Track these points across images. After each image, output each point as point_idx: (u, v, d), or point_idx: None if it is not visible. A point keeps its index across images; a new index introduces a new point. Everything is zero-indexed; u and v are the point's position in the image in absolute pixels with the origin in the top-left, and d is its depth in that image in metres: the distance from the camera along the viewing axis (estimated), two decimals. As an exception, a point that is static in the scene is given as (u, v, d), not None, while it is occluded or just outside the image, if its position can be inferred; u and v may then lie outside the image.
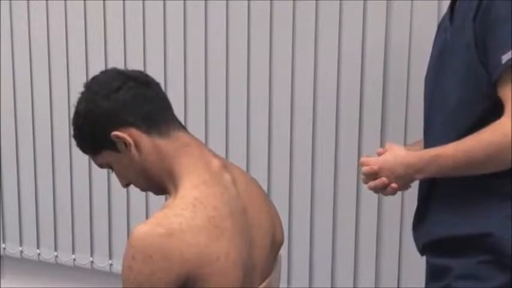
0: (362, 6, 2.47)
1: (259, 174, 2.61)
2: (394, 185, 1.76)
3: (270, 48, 2.60)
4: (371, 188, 1.81)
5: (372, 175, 1.79)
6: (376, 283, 2.60)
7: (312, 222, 2.66)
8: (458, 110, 1.72)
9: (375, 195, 2.53)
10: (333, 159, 2.59)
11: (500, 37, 1.61)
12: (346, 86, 2.54)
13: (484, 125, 1.63)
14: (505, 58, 1.59)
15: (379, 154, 1.84)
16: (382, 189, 1.79)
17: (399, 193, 2.32)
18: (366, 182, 1.82)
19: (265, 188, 2.61)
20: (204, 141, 2.67)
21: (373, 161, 1.80)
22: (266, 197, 1.81)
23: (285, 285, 2.69)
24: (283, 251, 1.86)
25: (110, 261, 2.98)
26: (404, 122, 2.47)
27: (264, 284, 1.66)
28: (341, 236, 2.63)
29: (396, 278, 2.57)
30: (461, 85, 1.71)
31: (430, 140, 1.81)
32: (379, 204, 2.56)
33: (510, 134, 1.58)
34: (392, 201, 2.47)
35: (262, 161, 2.68)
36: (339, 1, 2.49)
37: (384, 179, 1.77)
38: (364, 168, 1.80)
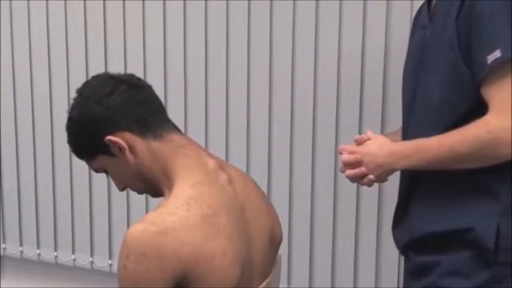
0: (362, 5, 2.46)
1: (259, 175, 2.61)
2: (371, 176, 1.76)
3: (270, 48, 2.60)
4: (348, 177, 1.80)
5: (353, 164, 1.78)
6: (376, 283, 2.60)
7: (312, 222, 2.66)
8: (441, 109, 1.72)
9: (375, 195, 2.54)
10: (333, 158, 2.58)
11: (485, 37, 1.62)
12: (346, 85, 2.54)
13: (468, 123, 1.63)
14: (490, 58, 1.60)
15: (357, 141, 1.83)
16: (359, 179, 1.79)
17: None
18: (343, 170, 1.82)
19: (265, 188, 2.61)
20: (204, 141, 2.69)
21: (357, 149, 1.80)
22: (264, 196, 1.81)
23: (285, 285, 2.68)
24: (283, 251, 1.86)
25: (110, 262, 2.99)
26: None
27: (263, 284, 1.67)
28: (341, 236, 2.63)
29: (396, 278, 2.57)
30: (444, 84, 1.71)
31: (412, 136, 1.79)
32: (379, 204, 2.56)
33: (494, 131, 1.59)
34: (392, 201, 2.46)
35: (262, 161, 2.68)
36: (339, 1, 2.49)
37: (363, 169, 1.77)
38: (348, 157, 1.79)
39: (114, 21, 2.80)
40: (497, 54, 1.59)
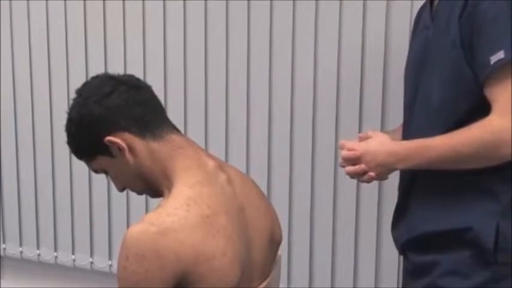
0: (362, 5, 2.46)
1: (259, 174, 2.61)
2: (371, 173, 1.76)
3: (270, 48, 2.60)
4: (349, 173, 1.80)
5: (352, 160, 1.78)
6: (376, 283, 2.60)
7: (312, 222, 2.65)
8: (442, 109, 1.72)
9: (375, 195, 2.53)
10: (333, 158, 2.58)
11: (488, 37, 1.62)
12: (346, 84, 2.54)
13: (467, 124, 1.64)
14: (494, 59, 1.60)
15: (361, 139, 1.83)
16: (359, 176, 1.78)
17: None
18: (343, 166, 1.81)
19: (265, 187, 2.61)
20: (203, 141, 2.68)
21: (356, 146, 1.79)
22: (263, 196, 1.81)
23: (285, 285, 2.68)
24: (283, 251, 1.86)
25: (110, 262, 2.99)
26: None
27: (264, 284, 1.67)
28: (341, 236, 2.63)
29: (396, 278, 2.56)
30: (445, 83, 1.71)
31: (413, 136, 1.80)
32: (379, 204, 2.56)
33: (497, 132, 1.60)
34: (392, 201, 2.46)
35: (262, 161, 2.67)
36: (339, 1, 2.49)
37: (363, 166, 1.76)
38: (346, 153, 1.79)
39: (114, 22, 2.80)
40: (500, 55, 1.59)
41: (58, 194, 3.03)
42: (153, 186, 1.64)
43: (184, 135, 1.69)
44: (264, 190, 2.58)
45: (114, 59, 2.82)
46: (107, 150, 1.61)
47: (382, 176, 1.79)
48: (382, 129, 2.48)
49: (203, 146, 2.64)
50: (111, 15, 2.80)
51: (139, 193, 1.73)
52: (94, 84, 1.66)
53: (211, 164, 1.63)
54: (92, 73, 2.77)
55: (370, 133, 1.83)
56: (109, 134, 1.59)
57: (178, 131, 1.67)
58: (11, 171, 3.09)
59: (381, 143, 1.78)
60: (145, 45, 2.77)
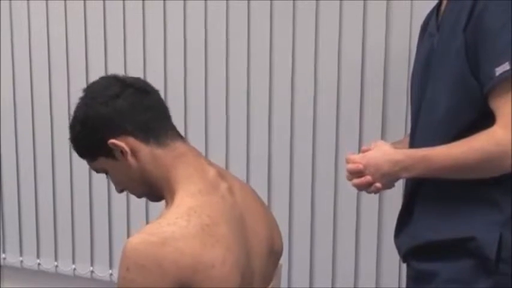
0: (362, 6, 2.46)
1: (259, 178, 2.62)
2: (378, 184, 1.76)
3: (270, 49, 2.60)
4: (355, 186, 1.80)
5: (357, 173, 1.78)
6: (376, 283, 2.59)
7: (313, 223, 2.65)
8: (446, 118, 1.72)
9: (375, 197, 2.51)
10: (333, 162, 2.58)
11: (493, 48, 1.62)
12: (346, 89, 2.53)
13: (471, 133, 1.64)
14: (499, 70, 1.60)
15: (364, 152, 1.83)
16: (366, 187, 1.78)
17: (400, 194, 2.31)
18: (350, 179, 1.82)
19: (265, 190, 2.61)
20: (203, 142, 2.67)
21: (358, 158, 1.79)
22: (264, 205, 1.81)
23: (285, 286, 2.67)
24: (283, 252, 1.85)
25: (110, 271, 2.98)
26: (404, 124, 2.46)
27: (265, 292, 1.66)
28: (341, 236, 2.62)
29: (397, 278, 2.56)
30: (449, 93, 1.71)
31: (417, 145, 1.80)
32: (379, 205, 2.55)
33: (502, 143, 1.59)
34: (393, 204, 2.45)
35: (262, 164, 2.67)
36: (339, 1, 2.49)
37: (368, 178, 1.76)
38: (349, 166, 1.80)
39: (114, 22, 2.81)
40: (506, 66, 1.59)
41: (58, 203, 3.03)
42: (153, 190, 1.64)
43: (188, 142, 1.68)
44: (264, 193, 2.57)
45: (114, 59, 2.82)
46: (109, 152, 1.60)
47: (388, 186, 1.79)
48: (383, 132, 2.49)
49: (203, 147, 2.64)
50: (111, 15, 2.81)
51: (139, 196, 1.72)
52: (102, 85, 1.65)
53: (212, 172, 1.62)
54: (92, 73, 2.77)
55: (372, 145, 1.83)
56: (113, 137, 1.58)
57: (182, 137, 1.67)
58: (11, 180, 3.08)
59: (384, 152, 1.78)
60: (145, 45, 2.77)
